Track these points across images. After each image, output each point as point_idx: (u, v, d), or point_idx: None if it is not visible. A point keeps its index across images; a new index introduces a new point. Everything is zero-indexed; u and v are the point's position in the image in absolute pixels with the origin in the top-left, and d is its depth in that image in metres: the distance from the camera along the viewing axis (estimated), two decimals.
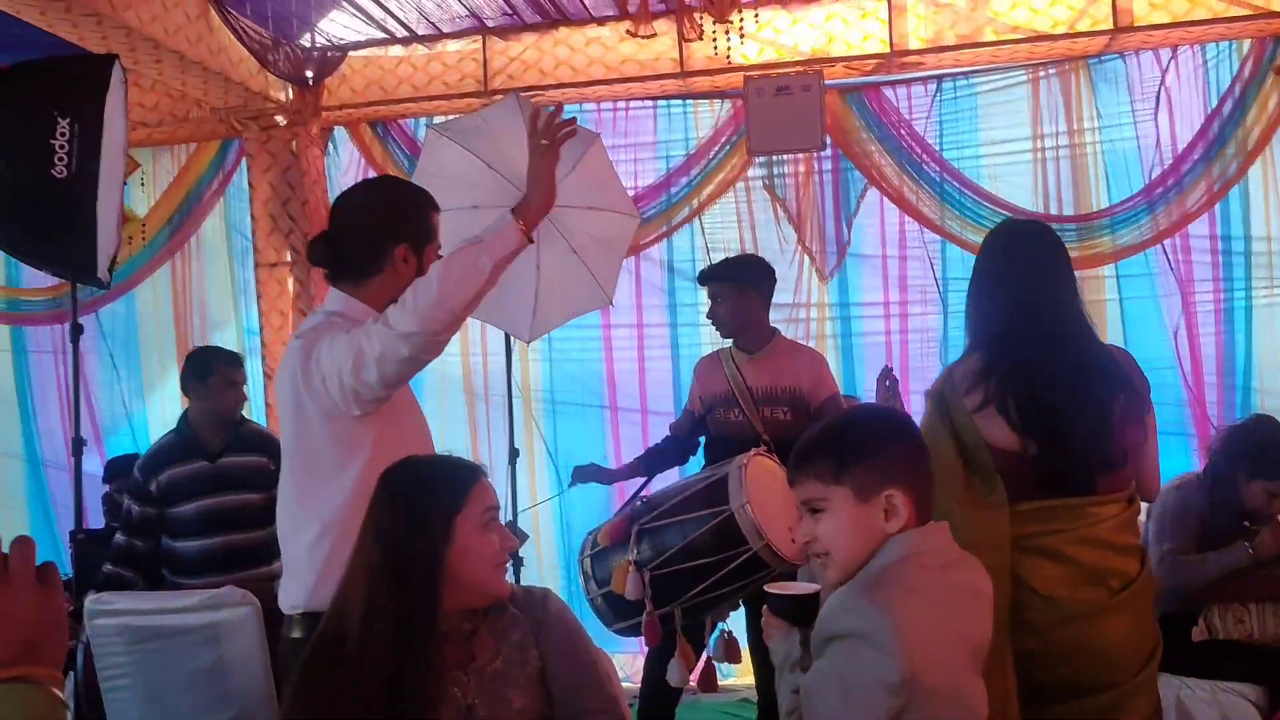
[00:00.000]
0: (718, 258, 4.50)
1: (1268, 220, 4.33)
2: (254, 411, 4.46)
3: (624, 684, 2.03)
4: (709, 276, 3.40)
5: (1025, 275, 2.17)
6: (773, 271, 3.45)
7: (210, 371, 3.45)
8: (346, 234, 2.11)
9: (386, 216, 2.10)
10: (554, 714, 1.61)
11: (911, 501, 1.53)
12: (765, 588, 1.65)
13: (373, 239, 2.07)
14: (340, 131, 4.89)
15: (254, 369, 4.66)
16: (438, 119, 4.50)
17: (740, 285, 3.32)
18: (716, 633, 2.79)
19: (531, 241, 1.96)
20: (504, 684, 1.60)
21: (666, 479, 3.29)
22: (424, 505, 1.58)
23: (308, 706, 1.52)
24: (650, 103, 4.68)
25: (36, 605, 0.95)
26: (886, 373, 2.65)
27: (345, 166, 4.90)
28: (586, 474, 3.48)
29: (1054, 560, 2.05)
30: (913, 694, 1.41)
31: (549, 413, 4.77)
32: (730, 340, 3.40)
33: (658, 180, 4.68)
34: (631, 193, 4.21)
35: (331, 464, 1.96)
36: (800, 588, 1.61)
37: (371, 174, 4.70)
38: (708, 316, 3.38)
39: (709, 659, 2.79)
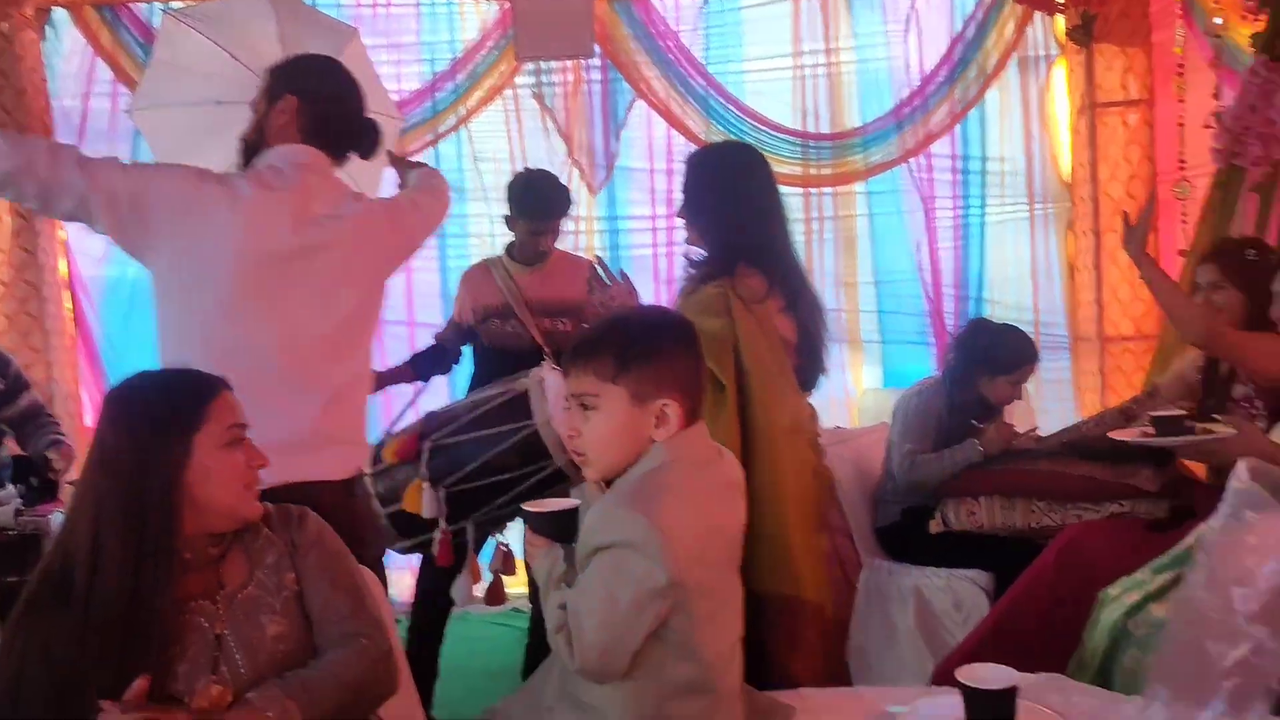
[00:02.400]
0: (486, 169, 4.45)
1: (1003, 142, 4.64)
2: None
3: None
4: (557, 212, 3.42)
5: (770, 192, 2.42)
6: None
7: None
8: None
9: None
10: (313, 639, 1.55)
11: (683, 412, 1.54)
12: (523, 506, 1.62)
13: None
14: (60, 14, 4.42)
15: None
16: (175, 5, 4.15)
17: None
18: (492, 546, 2.77)
19: None
20: (257, 610, 1.53)
21: (431, 393, 3.34)
22: (155, 425, 1.47)
23: (31, 658, 1.41)
24: (413, 1, 4.47)
25: None
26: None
27: (67, 53, 4.43)
28: None
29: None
30: (679, 595, 1.45)
31: None
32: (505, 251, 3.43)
33: (422, 85, 4.48)
34: (394, 98, 3.97)
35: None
36: (559, 504, 1.59)
37: (100, 63, 4.36)
38: (536, 250, 3.36)
39: (495, 573, 2.77)
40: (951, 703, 1.52)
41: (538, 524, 1.59)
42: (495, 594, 2.83)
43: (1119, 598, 2.25)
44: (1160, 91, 4.39)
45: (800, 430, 2.37)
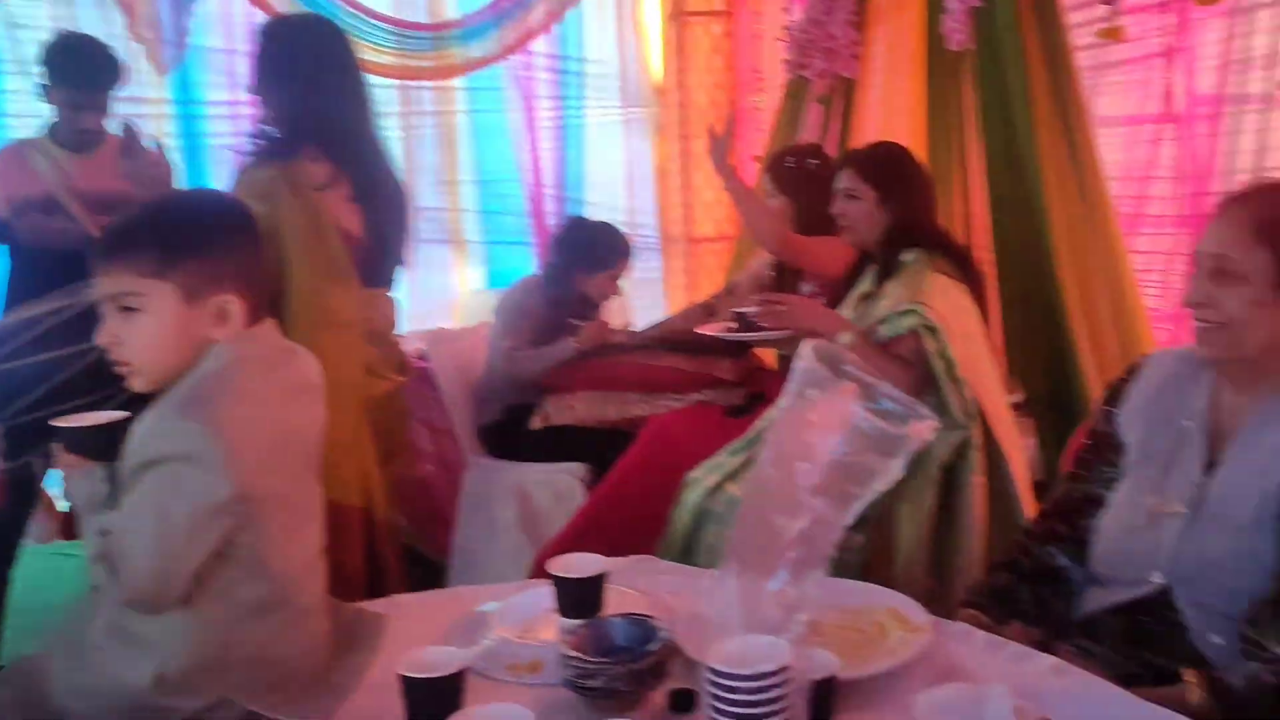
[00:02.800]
0: (26, 38, 3.83)
1: (599, 44, 4.71)
2: None
3: None
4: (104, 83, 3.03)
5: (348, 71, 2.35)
6: None
7: None
8: None
9: None
10: None
11: (247, 308, 1.39)
12: (53, 422, 1.40)
13: None
14: None
15: None
16: None
17: None
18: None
19: None
20: None
21: None
22: None
23: None
24: None
25: None
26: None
27: None
28: None
29: None
30: (247, 509, 1.32)
31: None
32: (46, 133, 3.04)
33: None
34: None
35: None
36: (100, 417, 1.40)
37: None
38: (79, 128, 2.97)
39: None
40: (544, 594, 1.53)
41: (73, 441, 1.38)
42: (71, 527, 2.56)
43: (701, 480, 2.42)
44: (740, 3, 4.63)
45: (352, 325, 2.29)
